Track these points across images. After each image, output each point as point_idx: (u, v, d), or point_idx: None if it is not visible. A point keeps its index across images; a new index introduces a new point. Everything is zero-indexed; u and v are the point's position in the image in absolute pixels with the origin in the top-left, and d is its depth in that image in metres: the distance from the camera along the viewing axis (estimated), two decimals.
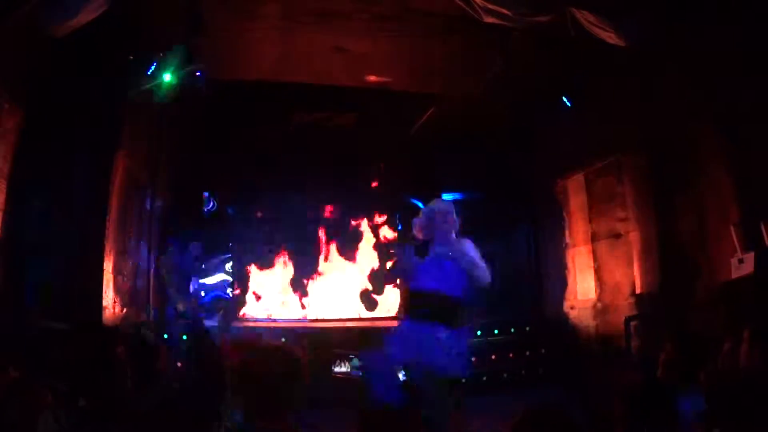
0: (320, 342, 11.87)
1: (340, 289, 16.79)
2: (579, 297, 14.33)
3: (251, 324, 14.85)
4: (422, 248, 7.39)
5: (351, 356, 3.98)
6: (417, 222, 7.45)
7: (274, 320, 15.60)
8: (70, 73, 9.86)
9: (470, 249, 7.20)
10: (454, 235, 7.31)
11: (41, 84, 9.69)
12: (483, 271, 7.07)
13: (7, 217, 9.10)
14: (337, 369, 4.07)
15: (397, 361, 6.44)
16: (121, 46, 10.60)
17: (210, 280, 16.18)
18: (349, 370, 4.21)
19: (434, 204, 7.50)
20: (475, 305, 7.83)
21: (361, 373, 3.71)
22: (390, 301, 16.42)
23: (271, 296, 16.43)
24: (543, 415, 3.29)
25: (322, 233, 17.28)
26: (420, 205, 7.66)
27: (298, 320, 15.79)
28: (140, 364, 4.03)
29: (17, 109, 9.18)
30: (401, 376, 6.58)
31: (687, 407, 4.27)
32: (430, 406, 6.15)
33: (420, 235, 7.40)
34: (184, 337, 12.12)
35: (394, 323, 8.28)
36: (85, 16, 8.62)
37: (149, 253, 13.44)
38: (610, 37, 9.84)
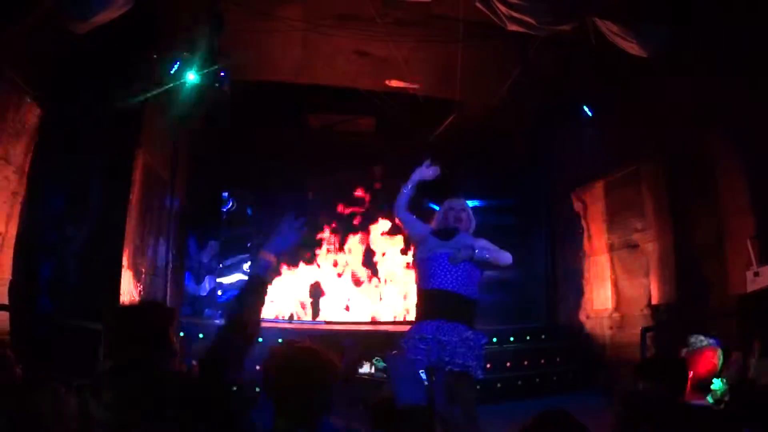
0: (337, 345, 11.91)
1: (357, 292, 16.84)
2: (595, 306, 14.30)
3: (268, 325, 14.87)
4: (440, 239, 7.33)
5: (376, 358, 3.98)
6: (436, 217, 7.49)
7: (290, 322, 15.61)
8: (92, 70, 9.90)
9: (485, 242, 7.21)
10: (470, 232, 7.32)
11: (63, 80, 9.74)
12: (506, 255, 7.07)
13: (25, 211, 9.14)
14: (361, 370, 4.05)
15: (421, 362, 6.42)
16: (144, 44, 10.64)
17: (227, 280, 16.22)
18: (373, 371, 4.19)
19: (447, 202, 7.50)
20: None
21: (385, 375, 3.69)
22: (397, 306, 16.55)
23: (287, 298, 16.43)
24: (552, 421, 3.30)
25: (339, 236, 17.29)
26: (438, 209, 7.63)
27: (315, 322, 15.80)
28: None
29: (38, 104, 9.23)
30: (423, 376, 6.57)
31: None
32: (465, 405, 6.16)
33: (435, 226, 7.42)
34: (200, 336, 12.16)
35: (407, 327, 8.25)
36: (109, 14, 8.68)
37: (167, 250, 13.48)
38: (632, 48, 9.86)
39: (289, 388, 3.47)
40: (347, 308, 16.50)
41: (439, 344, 6.41)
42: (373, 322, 15.97)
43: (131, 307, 5.13)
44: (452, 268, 6.81)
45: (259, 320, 3.82)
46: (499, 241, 7.26)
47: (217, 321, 13.70)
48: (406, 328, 6.95)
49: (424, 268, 6.96)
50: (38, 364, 6.44)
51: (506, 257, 7.04)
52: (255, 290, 3.81)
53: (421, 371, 6.44)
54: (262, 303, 3.85)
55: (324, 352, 3.67)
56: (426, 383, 6.45)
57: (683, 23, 9.92)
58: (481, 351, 6.63)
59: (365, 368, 3.87)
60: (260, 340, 3.99)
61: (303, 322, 15.63)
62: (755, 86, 9.47)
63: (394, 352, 6.49)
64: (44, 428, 4.23)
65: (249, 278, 3.89)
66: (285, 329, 13.55)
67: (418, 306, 7.17)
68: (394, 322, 15.64)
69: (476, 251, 6.77)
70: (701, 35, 10.05)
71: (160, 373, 3.63)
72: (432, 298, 6.81)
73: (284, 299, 16.15)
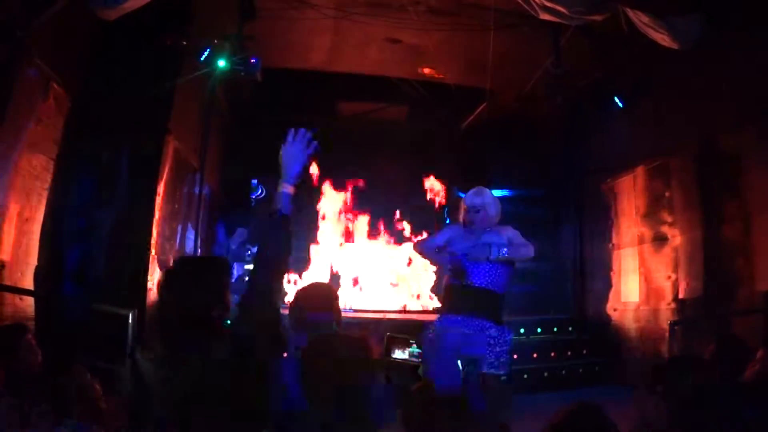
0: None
1: (385, 281, 16.82)
2: (622, 299, 14.24)
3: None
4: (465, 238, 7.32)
5: (411, 341, 3.95)
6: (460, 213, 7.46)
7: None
8: (122, 57, 9.94)
9: (513, 233, 7.19)
10: (494, 223, 7.29)
11: (92, 67, 9.78)
12: (527, 250, 7.06)
13: (53, 197, 9.19)
14: (394, 355, 4.02)
15: (454, 350, 6.44)
16: (175, 30, 10.65)
17: None
18: (408, 356, 4.16)
19: (467, 196, 7.45)
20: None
21: (419, 360, 3.68)
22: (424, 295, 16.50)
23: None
24: (581, 414, 3.27)
25: (369, 225, 17.26)
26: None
27: (346, 310, 15.78)
28: None
29: (67, 91, 9.27)
30: (460, 366, 6.57)
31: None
32: (496, 400, 6.17)
33: (463, 220, 7.40)
34: (228, 322, 12.17)
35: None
36: (139, 0, 8.69)
37: (196, 237, 13.52)
38: (664, 39, 9.79)
39: (327, 378, 3.41)
40: (373, 297, 16.46)
41: (466, 338, 6.42)
42: (404, 311, 15.93)
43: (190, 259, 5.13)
44: (479, 264, 6.81)
45: (287, 256, 3.76)
46: (528, 232, 7.24)
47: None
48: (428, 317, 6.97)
49: (452, 262, 6.96)
50: (64, 349, 6.47)
51: (527, 251, 7.03)
52: (278, 225, 3.74)
53: (457, 360, 6.46)
54: (289, 238, 3.77)
55: (365, 341, 3.63)
56: (461, 371, 6.47)
57: (716, 16, 9.84)
58: (504, 347, 6.62)
59: (399, 353, 3.86)
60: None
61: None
62: None
63: (430, 336, 6.51)
64: (70, 411, 4.25)
65: (270, 215, 3.79)
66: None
67: (445, 298, 7.16)
68: (417, 312, 15.59)
69: (492, 252, 6.77)
70: (735, 29, 9.96)
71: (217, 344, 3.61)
72: (459, 294, 6.82)
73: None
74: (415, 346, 3.41)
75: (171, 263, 9.44)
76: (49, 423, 4.14)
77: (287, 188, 3.91)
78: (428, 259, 8.36)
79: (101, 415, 4.31)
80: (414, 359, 3.44)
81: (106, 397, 4.58)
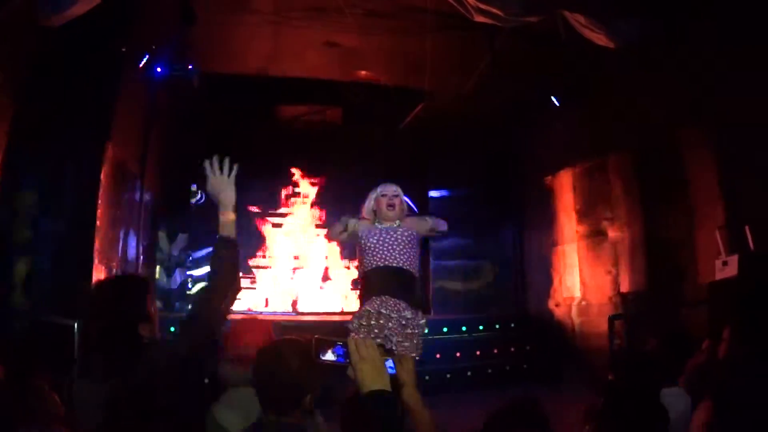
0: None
1: (323, 283, 16.91)
2: (564, 295, 14.43)
3: (239, 317, 14.82)
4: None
5: (337, 342, 3.92)
6: (365, 204, 7.45)
7: (261, 312, 15.62)
8: (62, 64, 9.88)
9: (419, 218, 7.30)
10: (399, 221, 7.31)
11: (34, 74, 9.71)
12: (441, 222, 7.18)
13: None
14: (324, 357, 4.00)
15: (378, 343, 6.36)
16: (114, 37, 10.62)
17: (197, 272, 16.20)
18: (335, 358, 4.14)
19: (381, 186, 7.45)
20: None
21: (344, 360, 3.67)
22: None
23: (253, 289, 16.48)
24: (516, 409, 3.35)
25: (307, 227, 17.30)
26: (408, 201, 7.61)
27: (285, 313, 15.80)
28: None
29: (10, 98, 9.20)
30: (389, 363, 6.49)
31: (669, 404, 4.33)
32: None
33: (365, 216, 7.40)
34: (171, 329, 12.19)
35: None
36: (81, 7, 8.65)
37: (138, 244, 13.46)
38: (600, 39, 9.93)
39: (275, 378, 3.49)
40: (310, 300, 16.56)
41: (384, 319, 6.41)
42: (342, 312, 16.00)
43: (108, 281, 5.14)
44: (395, 246, 6.85)
45: (236, 279, 3.83)
46: (469, 230, 7.34)
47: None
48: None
49: (368, 248, 6.95)
50: (16, 361, 6.44)
51: (441, 223, 7.17)
52: (224, 249, 3.80)
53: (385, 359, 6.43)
54: (236, 262, 3.84)
55: (301, 340, 3.69)
56: (389, 366, 6.43)
57: (652, 17, 10.01)
58: (417, 331, 6.62)
59: (327, 355, 3.86)
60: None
61: (273, 313, 15.64)
62: (724, 80, 9.58)
63: (352, 335, 6.46)
64: (29, 425, 4.26)
65: (217, 241, 3.84)
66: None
67: (362, 289, 7.12)
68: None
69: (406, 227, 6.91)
70: (670, 29, 10.15)
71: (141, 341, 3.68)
72: (376, 276, 6.81)
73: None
74: (339, 345, 3.45)
75: (92, 287, 9.45)
76: None
77: (228, 215, 3.97)
78: (339, 239, 8.24)
79: (63, 425, 4.32)
80: (341, 360, 3.49)
81: (64, 408, 4.58)
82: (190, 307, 3.75)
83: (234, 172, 4.05)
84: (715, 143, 10.07)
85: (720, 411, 4.16)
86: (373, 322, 6.38)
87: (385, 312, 6.41)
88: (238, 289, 3.84)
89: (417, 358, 6.51)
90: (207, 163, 4.03)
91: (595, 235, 13.28)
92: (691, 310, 9.86)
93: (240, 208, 4.06)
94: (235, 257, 3.83)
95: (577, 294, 13.86)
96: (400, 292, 6.61)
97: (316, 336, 3.50)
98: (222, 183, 4.05)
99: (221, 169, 4.03)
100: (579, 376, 12.46)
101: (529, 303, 16.06)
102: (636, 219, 11.99)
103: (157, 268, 15.46)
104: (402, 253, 6.83)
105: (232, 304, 3.78)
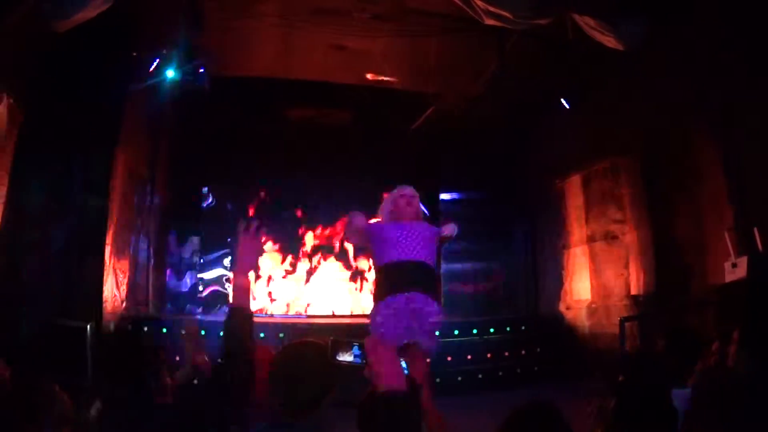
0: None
1: (332, 285, 16.91)
2: (574, 297, 14.41)
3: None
4: None
5: (353, 343, 3.87)
6: (383, 206, 7.41)
7: (271, 316, 15.65)
8: (72, 70, 9.90)
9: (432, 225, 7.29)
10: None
11: (43, 78, 9.73)
12: (450, 227, 7.16)
13: (8, 210, 9.14)
14: (340, 358, 3.94)
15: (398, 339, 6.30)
16: (123, 42, 10.65)
17: (208, 275, 16.23)
18: (351, 359, 4.08)
19: (399, 188, 7.43)
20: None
21: (361, 361, 3.64)
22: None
23: (264, 292, 16.49)
24: (534, 411, 3.35)
25: (316, 230, 17.30)
26: (422, 206, 7.59)
27: (296, 316, 15.83)
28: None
29: (20, 103, 9.23)
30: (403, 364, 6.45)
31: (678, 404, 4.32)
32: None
33: (383, 219, 7.37)
34: (182, 332, 12.22)
35: None
36: (89, 12, 8.68)
37: (148, 247, 13.49)
38: (609, 41, 9.93)
39: (292, 380, 3.49)
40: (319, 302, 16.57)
41: (411, 321, 6.36)
42: (352, 315, 16.03)
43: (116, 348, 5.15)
44: (417, 240, 6.83)
45: (249, 350, 3.82)
46: (479, 233, 7.32)
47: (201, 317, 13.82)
48: None
49: (388, 241, 6.90)
50: (25, 364, 6.44)
51: (453, 228, 7.18)
52: (235, 320, 3.79)
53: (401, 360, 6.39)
54: (250, 332, 3.83)
55: (317, 342, 3.70)
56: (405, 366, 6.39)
57: (659, 19, 9.99)
58: (438, 323, 6.60)
59: (344, 356, 3.82)
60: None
61: (283, 316, 15.67)
62: (731, 82, 9.56)
63: (371, 335, 6.41)
64: (38, 427, 4.28)
65: (228, 312, 3.83)
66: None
67: (380, 281, 7.03)
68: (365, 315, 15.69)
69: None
70: (678, 31, 10.14)
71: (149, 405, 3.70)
72: (399, 269, 6.75)
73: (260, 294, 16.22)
74: (356, 346, 3.46)
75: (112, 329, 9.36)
76: None
77: (243, 281, 3.96)
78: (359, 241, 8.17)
79: (71, 427, 4.33)
80: (357, 361, 3.50)
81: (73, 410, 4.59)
82: (212, 380, 3.72)
83: (262, 237, 4.08)
84: (723, 145, 10.05)
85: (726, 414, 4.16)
86: (400, 318, 6.37)
87: (414, 306, 6.40)
88: (252, 360, 3.82)
89: (432, 354, 6.53)
90: (242, 222, 4.06)
91: (606, 238, 13.26)
92: (700, 312, 9.85)
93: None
94: (248, 329, 3.85)
95: (588, 296, 13.83)
96: (424, 286, 6.60)
97: (332, 337, 3.52)
98: (249, 246, 4.07)
99: (256, 231, 4.05)
100: (589, 378, 12.44)
101: (540, 305, 16.04)
102: (645, 221, 11.98)
103: (168, 270, 15.50)
104: (423, 247, 6.81)
105: (247, 374, 3.77)
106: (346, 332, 12.05)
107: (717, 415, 4.11)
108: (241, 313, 3.82)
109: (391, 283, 6.69)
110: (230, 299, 3.87)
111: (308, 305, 16.48)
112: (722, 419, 4.11)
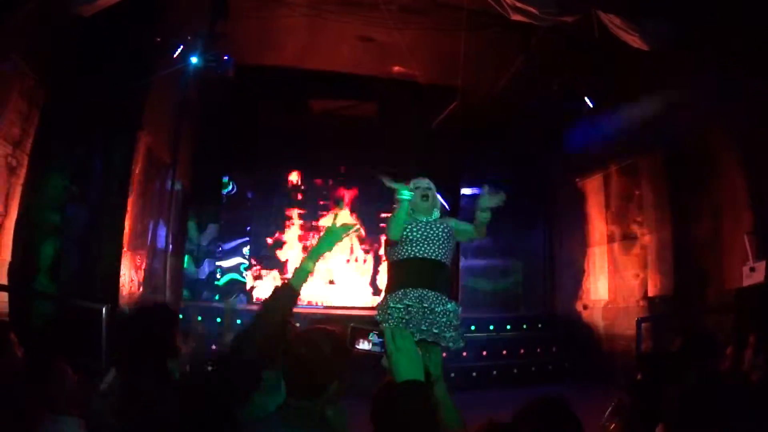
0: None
1: (355, 277, 16.90)
2: (592, 297, 14.38)
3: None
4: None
5: (374, 331, 3.87)
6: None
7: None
8: (96, 53, 9.91)
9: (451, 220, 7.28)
10: (438, 212, 7.28)
11: (66, 62, 9.76)
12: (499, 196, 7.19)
13: (27, 192, 9.17)
14: (359, 346, 3.94)
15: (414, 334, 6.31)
16: (148, 27, 10.66)
17: (227, 263, 16.26)
18: (369, 347, 4.07)
19: (414, 181, 7.41)
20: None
21: (380, 350, 3.64)
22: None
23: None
24: (545, 406, 3.34)
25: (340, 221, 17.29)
26: (440, 198, 7.57)
27: (313, 306, 15.86)
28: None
29: (42, 86, 9.26)
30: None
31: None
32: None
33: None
34: (199, 318, 12.26)
35: None
36: None
37: (167, 233, 13.52)
38: (634, 41, 9.88)
39: (303, 363, 3.49)
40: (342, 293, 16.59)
41: (425, 316, 6.38)
42: (365, 307, 16.05)
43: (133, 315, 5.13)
44: (436, 240, 6.84)
45: (284, 322, 3.84)
46: (498, 230, 7.29)
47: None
48: None
49: (408, 240, 6.90)
50: (40, 344, 6.47)
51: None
52: (286, 297, 3.81)
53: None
54: (291, 310, 3.86)
55: (335, 330, 3.70)
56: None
57: (685, 19, 9.94)
58: (458, 322, 6.61)
59: (362, 344, 3.81)
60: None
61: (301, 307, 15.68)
62: (756, 84, 9.49)
63: (387, 324, 6.41)
64: (52, 407, 4.29)
65: (280, 288, 3.84)
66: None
67: (393, 276, 7.05)
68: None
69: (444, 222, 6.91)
70: (703, 31, 10.08)
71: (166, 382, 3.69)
72: (415, 266, 6.77)
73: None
74: (374, 335, 3.44)
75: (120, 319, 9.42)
76: (42, 419, 4.19)
77: (308, 264, 4.02)
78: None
79: (80, 409, 4.33)
80: (376, 350, 3.48)
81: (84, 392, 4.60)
82: (231, 342, 3.71)
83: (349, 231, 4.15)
84: (744, 148, 9.99)
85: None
86: (408, 317, 6.38)
87: (427, 305, 6.41)
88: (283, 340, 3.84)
89: (460, 346, 6.55)
90: (332, 214, 4.16)
91: (625, 238, 13.22)
92: (717, 316, 9.80)
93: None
94: (291, 307, 3.91)
95: (605, 296, 13.79)
96: (439, 286, 6.62)
97: (352, 324, 3.50)
98: (334, 236, 4.16)
99: (344, 227, 4.17)
100: (605, 378, 12.40)
101: (558, 304, 16.02)
102: (665, 222, 11.94)
103: (186, 257, 15.54)
104: (441, 247, 6.82)
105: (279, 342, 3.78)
106: (365, 322, 12.03)
107: (713, 418, 4.08)
108: (292, 290, 3.87)
109: (403, 278, 6.72)
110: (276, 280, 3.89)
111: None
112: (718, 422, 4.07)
